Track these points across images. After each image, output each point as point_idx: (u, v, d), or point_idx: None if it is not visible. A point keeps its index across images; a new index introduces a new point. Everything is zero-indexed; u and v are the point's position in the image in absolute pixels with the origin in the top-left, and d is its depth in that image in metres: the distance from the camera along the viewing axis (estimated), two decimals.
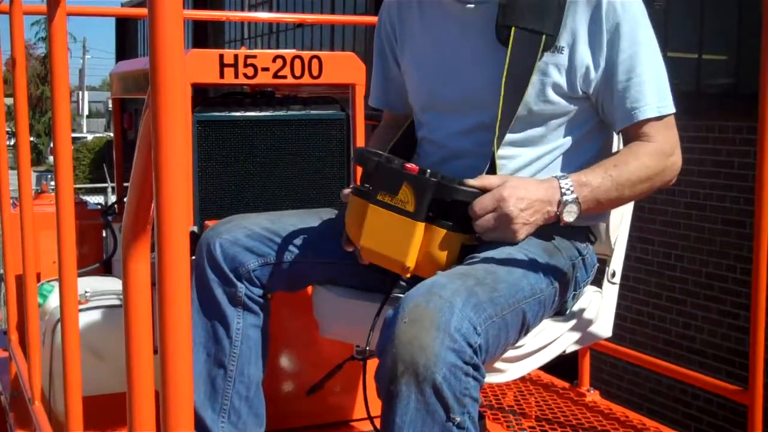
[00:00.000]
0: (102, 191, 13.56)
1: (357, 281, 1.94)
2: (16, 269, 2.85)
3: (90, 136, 29.97)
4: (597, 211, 1.80)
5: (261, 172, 2.78)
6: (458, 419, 1.41)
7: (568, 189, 1.70)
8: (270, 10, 12.91)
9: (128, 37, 21.94)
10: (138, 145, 1.02)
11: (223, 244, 1.93)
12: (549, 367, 2.11)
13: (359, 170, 2.02)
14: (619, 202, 1.83)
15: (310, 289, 2.05)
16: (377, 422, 1.86)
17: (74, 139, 29.53)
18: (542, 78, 1.79)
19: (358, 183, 1.82)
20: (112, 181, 4.28)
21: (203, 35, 12.59)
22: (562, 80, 1.79)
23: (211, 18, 10.78)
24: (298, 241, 1.96)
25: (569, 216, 1.70)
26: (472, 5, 1.86)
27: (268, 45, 13.22)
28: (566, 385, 2.83)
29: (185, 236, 0.91)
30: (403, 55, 2.03)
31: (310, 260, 1.96)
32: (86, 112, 46.42)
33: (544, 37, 1.77)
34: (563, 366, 2.54)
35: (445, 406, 1.39)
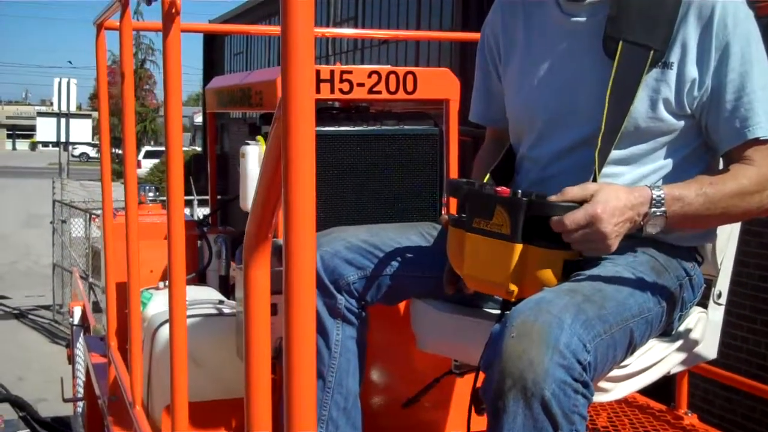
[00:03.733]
0: (188, 204, 13.87)
1: (456, 296, 1.94)
2: (117, 277, 2.92)
3: None
4: (680, 227, 1.75)
5: (354, 186, 2.80)
6: None
7: (659, 202, 1.65)
8: (355, 26, 13.03)
9: (215, 52, 22.41)
10: (266, 155, 1.04)
11: (324, 256, 1.95)
12: (642, 389, 2.07)
13: (453, 201, 2.02)
14: (705, 222, 1.76)
15: (406, 302, 2.06)
16: None
17: (159, 152, 30.21)
18: (651, 94, 1.76)
19: (453, 210, 1.83)
20: (197, 194, 4.38)
21: None
22: (671, 96, 1.76)
23: (259, 32, 10.95)
24: (397, 255, 1.97)
25: (653, 228, 1.65)
26: (580, 18, 1.85)
27: (353, 61, 13.34)
28: (663, 407, 2.77)
29: (312, 246, 0.92)
30: (506, 69, 2.03)
31: (410, 274, 1.97)
32: None
33: (652, 52, 1.75)
34: (657, 388, 2.49)
35: (554, 423, 1.38)
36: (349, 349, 1.96)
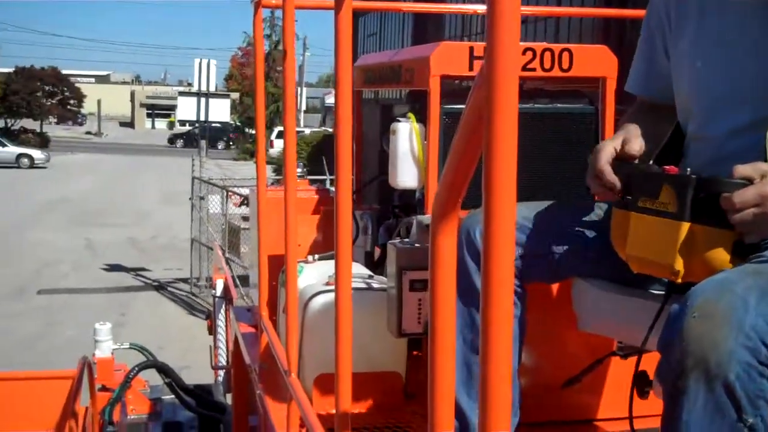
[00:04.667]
0: (321, 183, 14.11)
1: (620, 276, 1.90)
2: (269, 250, 2.99)
3: (307, 131, 31.19)
4: None
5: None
6: (750, 421, 1.34)
7: None
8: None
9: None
10: (463, 124, 1.03)
11: None
12: None
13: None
14: None
15: (563, 282, 2.03)
16: (625, 423, 1.82)
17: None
18: None
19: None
20: (330, 174, 4.43)
21: (422, 31, 12.74)
22: None
23: (442, 11, 10.89)
24: (559, 233, 1.94)
25: None
26: None
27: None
28: None
29: (512, 220, 0.92)
30: (676, 42, 1.97)
31: (572, 252, 1.94)
32: (304, 108, 48.35)
33: None
34: None
35: (737, 406, 1.34)
36: None
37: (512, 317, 0.90)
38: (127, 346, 5.40)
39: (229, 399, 5.40)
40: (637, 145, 1.84)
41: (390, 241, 2.63)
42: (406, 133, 2.86)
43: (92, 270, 14.95)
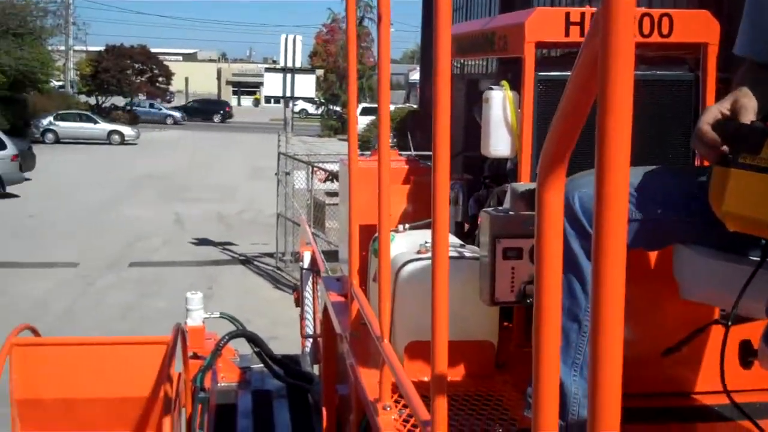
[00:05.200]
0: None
1: (724, 242, 1.85)
2: (360, 219, 3.00)
3: (392, 107, 31.17)
4: None
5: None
6: None
7: None
8: None
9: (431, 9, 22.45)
10: (574, 77, 1.01)
11: (582, 197, 1.91)
12: None
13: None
14: None
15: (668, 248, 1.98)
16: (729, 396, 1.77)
17: (377, 109, 30.81)
18: None
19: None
20: (415, 150, 4.44)
21: (510, 5, 12.57)
22: None
23: None
24: (660, 198, 1.90)
25: None
26: None
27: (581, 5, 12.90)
28: None
29: (626, 175, 0.89)
30: None
31: (674, 218, 1.89)
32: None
33: None
34: None
35: None
36: None
37: (623, 287, 0.88)
38: (218, 315, 5.51)
39: (316, 370, 5.47)
40: (750, 105, 1.78)
41: (483, 209, 2.61)
42: (499, 101, 2.82)
43: (181, 244, 15.31)
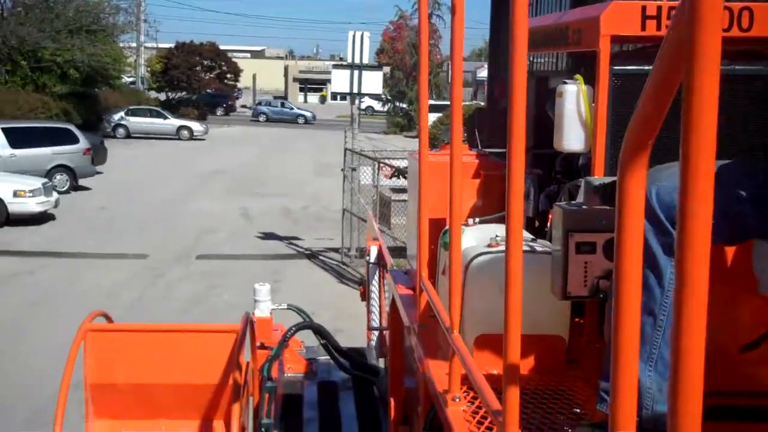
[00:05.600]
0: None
1: None
2: (430, 213, 3.01)
3: None
4: None
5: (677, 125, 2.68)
6: None
7: None
8: None
9: (504, 3, 22.29)
10: (660, 60, 1.00)
11: (660, 191, 1.89)
12: None
13: None
14: None
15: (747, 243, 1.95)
16: None
17: (443, 106, 30.79)
18: None
19: None
20: (483, 147, 4.41)
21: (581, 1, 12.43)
22: None
23: None
24: (742, 192, 1.87)
25: None
26: None
27: None
28: None
29: (711, 168, 0.89)
30: None
31: (755, 213, 1.86)
32: None
33: None
34: None
35: None
36: None
37: (707, 283, 0.88)
38: (285, 307, 5.56)
39: (381, 363, 5.50)
40: None
41: (556, 203, 2.60)
42: (573, 95, 2.81)
43: (247, 238, 15.50)
